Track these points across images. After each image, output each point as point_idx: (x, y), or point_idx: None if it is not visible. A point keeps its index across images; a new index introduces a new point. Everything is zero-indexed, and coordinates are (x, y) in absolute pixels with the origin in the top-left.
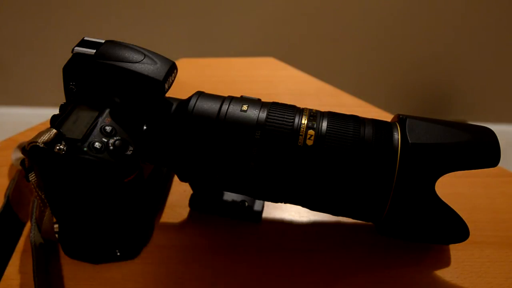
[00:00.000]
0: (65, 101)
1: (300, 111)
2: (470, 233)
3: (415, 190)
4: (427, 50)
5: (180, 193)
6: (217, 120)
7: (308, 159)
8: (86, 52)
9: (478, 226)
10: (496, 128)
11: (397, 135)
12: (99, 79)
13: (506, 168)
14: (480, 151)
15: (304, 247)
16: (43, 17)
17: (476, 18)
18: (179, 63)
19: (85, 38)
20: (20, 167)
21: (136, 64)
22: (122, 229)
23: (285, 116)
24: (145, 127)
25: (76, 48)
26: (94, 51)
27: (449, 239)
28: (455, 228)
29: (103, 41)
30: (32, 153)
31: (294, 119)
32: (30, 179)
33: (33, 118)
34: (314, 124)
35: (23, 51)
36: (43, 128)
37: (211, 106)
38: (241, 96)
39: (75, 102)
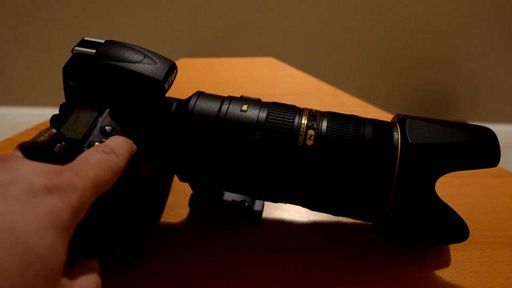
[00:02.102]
0: (65, 101)
1: (300, 111)
2: (470, 233)
3: (415, 190)
4: (427, 50)
5: (180, 193)
6: (217, 120)
7: (308, 159)
8: (86, 52)
9: (478, 226)
10: (496, 128)
11: (397, 135)
12: (99, 79)
13: (506, 168)
14: (480, 151)
15: (304, 247)
16: (43, 17)
17: (476, 18)
18: (179, 63)
19: (85, 38)
20: None
21: (136, 64)
22: (122, 230)
23: (285, 116)
24: (145, 127)
25: (76, 48)
26: (94, 51)
27: (449, 239)
28: (455, 228)
29: (103, 41)
30: (32, 153)
31: (294, 119)
32: None
33: (33, 118)
34: (314, 124)
35: (23, 51)
36: (43, 128)
37: (211, 106)
38: (241, 96)
39: (75, 102)
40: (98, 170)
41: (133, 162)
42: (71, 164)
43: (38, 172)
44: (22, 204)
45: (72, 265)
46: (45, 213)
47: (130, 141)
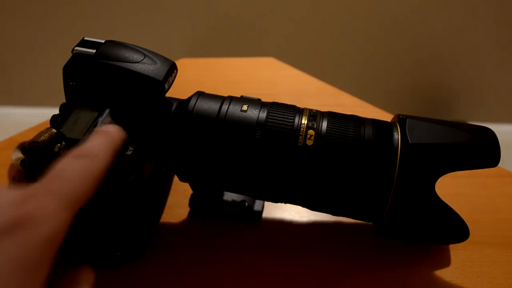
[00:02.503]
0: (65, 101)
1: (300, 111)
2: (470, 233)
3: (415, 190)
4: (427, 50)
5: (180, 193)
6: (217, 120)
7: (308, 159)
8: (86, 52)
9: (478, 226)
10: (496, 128)
11: (397, 135)
12: (99, 79)
13: (506, 168)
14: (480, 151)
15: (304, 247)
16: (43, 17)
17: (476, 18)
18: (179, 63)
19: (85, 38)
20: (20, 167)
21: (136, 64)
22: (122, 230)
23: (285, 116)
24: (145, 127)
25: (76, 48)
26: (94, 51)
27: (449, 239)
28: (455, 228)
29: (103, 41)
30: (32, 153)
31: (294, 119)
32: (30, 179)
33: (33, 118)
34: (314, 124)
35: (23, 51)
36: (43, 128)
37: (211, 106)
38: (241, 96)
39: (75, 102)
40: (74, 184)
41: (133, 162)
42: (43, 182)
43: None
44: None
45: (60, 279)
46: (9, 259)
47: (112, 132)
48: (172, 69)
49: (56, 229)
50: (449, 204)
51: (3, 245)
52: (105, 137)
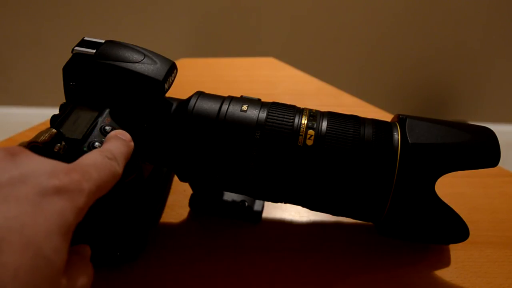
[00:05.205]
0: (65, 101)
1: (300, 111)
2: (470, 233)
3: (415, 190)
4: (427, 50)
5: (180, 193)
6: (217, 120)
7: (308, 159)
8: (86, 52)
9: (478, 226)
10: (496, 128)
11: (397, 135)
12: (99, 79)
13: (506, 168)
14: (480, 151)
15: (304, 247)
16: (43, 17)
17: (476, 18)
18: (179, 63)
19: (85, 38)
20: None
21: (136, 64)
22: (122, 230)
23: (285, 116)
24: (145, 127)
25: (76, 48)
26: (94, 51)
27: (449, 239)
28: (455, 228)
29: (103, 41)
30: None
31: (294, 119)
32: None
33: (33, 118)
34: (314, 124)
35: (23, 51)
36: (43, 128)
37: (211, 106)
38: (241, 96)
39: (75, 102)
40: (102, 174)
41: (133, 162)
42: (78, 165)
43: (48, 170)
44: (32, 206)
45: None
46: (54, 215)
47: (127, 142)
48: (172, 69)
49: (83, 206)
50: (449, 204)
51: (51, 201)
52: (125, 149)
